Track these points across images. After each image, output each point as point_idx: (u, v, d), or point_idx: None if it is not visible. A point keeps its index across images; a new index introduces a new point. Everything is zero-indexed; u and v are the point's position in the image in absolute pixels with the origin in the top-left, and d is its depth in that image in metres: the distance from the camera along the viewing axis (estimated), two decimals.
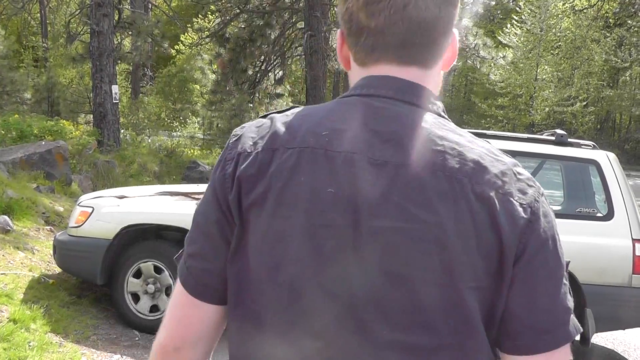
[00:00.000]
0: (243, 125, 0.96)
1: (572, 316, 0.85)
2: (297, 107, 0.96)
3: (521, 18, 30.01)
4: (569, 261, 0.88)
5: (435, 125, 0.87)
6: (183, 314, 0.94)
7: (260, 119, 0.95)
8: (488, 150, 0.87)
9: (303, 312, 0.84)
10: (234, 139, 0.93)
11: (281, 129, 0.89)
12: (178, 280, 0.95)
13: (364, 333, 0.83)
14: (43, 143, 9.39)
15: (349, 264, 0.82)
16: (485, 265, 0.81)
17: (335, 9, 13.17)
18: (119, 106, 12.82)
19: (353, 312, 0.82)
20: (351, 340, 0.83)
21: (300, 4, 13.94)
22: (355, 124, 0.86)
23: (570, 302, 0.85)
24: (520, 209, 0.83)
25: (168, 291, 4.70)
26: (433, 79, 0.93)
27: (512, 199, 0.83)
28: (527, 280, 0.83)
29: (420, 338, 0.82)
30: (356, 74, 0.95)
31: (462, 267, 0.81)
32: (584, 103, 29.23)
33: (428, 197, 0.81)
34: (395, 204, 0.81)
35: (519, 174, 0.86)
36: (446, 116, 0.92)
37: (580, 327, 0.86)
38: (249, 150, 0.89)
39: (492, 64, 19.26)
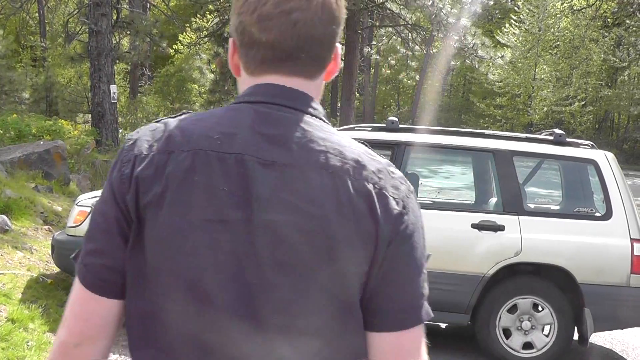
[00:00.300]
0: (138, 130, 1.02)
1: (426, 303, 0.96)
2: (188, 112, 1.03)
3: (519, 18, 30.02)
4: (430, 254, 0.99)
5: (317, 128, 0.96)
6: (82, 310, 0.97)
7: (154, 124, 1.01)
8: (365, 151, 0.97)
9: (200, 301, 0.91)
10: (129, 143, 0.98)
11: (175, 132, 0.95)
12: (76, 277, 0.99)
13: (256, 319, 0.90)
14: (41, 143, 9.38)
15: (242, 255, 0.90)
16: (365, 252, 0.91)
17: None
18: (117, 106, 12.82)
19: (247, 299, 0.90)
20: (244, 326, 0.90)
21: None
22: (244, 128, 0.94)
23: (426, 290, 0.96)
24: (394, 202, 0.93)
25: None
26: (316, 88, 1.02)
27: (387, 193, 0.93)
28: (392, 264, 0.93)
29: (307, 322, 0.91)
30: (245, 82, 1.02)
31: (345, 254, 0.90)
32: (583, 103, 29.23)
33: (313, 193, 0.90)
34: (283, 200, 0.90)
35: (393, 172, 0.97)
36: (326, 120, 1.01)
37: (432, 314, 0.95)
38: (145, 153, 0.95)
39: (490, 64, 19.32)
